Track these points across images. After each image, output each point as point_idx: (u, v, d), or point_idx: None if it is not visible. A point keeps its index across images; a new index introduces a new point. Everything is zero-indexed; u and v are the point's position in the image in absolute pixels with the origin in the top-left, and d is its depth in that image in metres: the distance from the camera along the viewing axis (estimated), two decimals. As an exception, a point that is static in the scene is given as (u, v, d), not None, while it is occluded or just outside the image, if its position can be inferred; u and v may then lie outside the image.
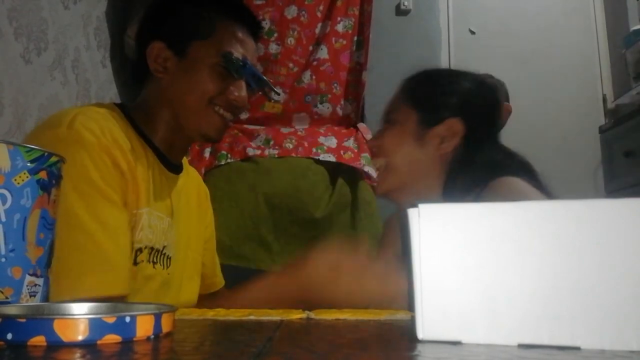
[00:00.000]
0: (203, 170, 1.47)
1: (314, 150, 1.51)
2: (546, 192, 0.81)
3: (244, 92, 0.81)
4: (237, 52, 0.80)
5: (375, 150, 0.91)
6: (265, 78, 0.86)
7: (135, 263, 0.72)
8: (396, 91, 0.95)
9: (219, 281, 0.98)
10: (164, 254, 0.78)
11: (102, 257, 0.63)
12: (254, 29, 0.85)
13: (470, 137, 0.87)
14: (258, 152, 1.49)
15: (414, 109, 0.89)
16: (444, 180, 0.86)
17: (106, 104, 0.80)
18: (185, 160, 0.91)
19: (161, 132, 0.80)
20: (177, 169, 0.85)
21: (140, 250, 0.73)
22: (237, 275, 1.36)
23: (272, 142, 1.52)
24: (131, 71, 0.86)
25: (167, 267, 0.79)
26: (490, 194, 0.78)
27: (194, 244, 0.89)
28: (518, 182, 0.78)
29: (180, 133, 0.81)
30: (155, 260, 0.76)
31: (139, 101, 0.84)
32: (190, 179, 0.92)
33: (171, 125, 0.80)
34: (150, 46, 0.80)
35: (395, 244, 0.98)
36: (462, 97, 0.90)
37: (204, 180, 1.46)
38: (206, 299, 0.92)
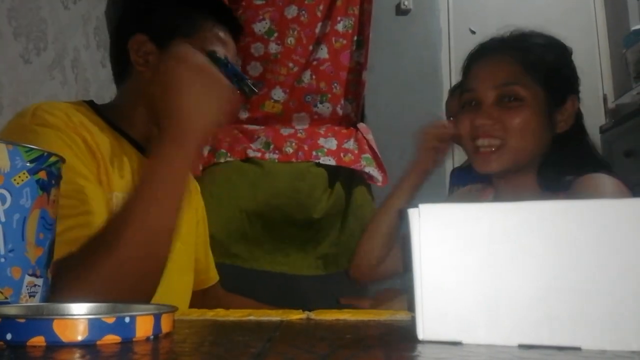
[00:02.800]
0: (201, 167, 1.47)
1: (314, 153, 1.51)
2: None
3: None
4: (220, 52, 0.81)
5: (490, 130, 0.81)
6: (246, 77, 0.87)
7: None
8: (506, 58, 0.83)
9: (213, 276, 0.99)
10: None
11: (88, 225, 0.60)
12: (235, 31, 0.86)
13: (578, 114, 0.83)
14: (258, 154, 1.49)
15: (541, 86, 0.80)
16: (542, 155, 0.82)
17: (73, 101, 0.80)
18: None
19: (138, 125, 0.81)
20: None
21: None
22: (232, 274, 1.36)
23: (272, 146, 1.51)
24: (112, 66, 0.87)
25: None
26: (579, 190, 0.75)
27: (185, 237, 0.89)
28: (609, 181, 0.75)
29: (158, 127, 0.82)
30: None
31: (116, 96, 0.85)
32: None
33: (149, 119, 0.81)
34: (133, 38, 0.80)
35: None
36: (573, 70, 0.84)
37: (202, 177, 1.46)
38: (200, 297, 0.93)
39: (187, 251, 0.89)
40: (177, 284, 0.84)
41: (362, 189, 1.56)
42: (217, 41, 0.82)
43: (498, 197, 0.89)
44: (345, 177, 1.53)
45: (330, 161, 1.51)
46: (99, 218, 0.62)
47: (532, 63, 0.81)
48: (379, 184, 1.57)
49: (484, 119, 0.81)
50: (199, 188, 0.99)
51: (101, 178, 0.70)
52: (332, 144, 1.55)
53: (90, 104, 0.81)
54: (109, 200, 0.70)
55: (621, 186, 0.76)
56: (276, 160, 1.48)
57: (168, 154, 0.60)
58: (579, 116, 0.84)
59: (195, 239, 0.93)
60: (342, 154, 1.54)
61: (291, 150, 1.50)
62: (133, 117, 0.81)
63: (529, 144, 0.80)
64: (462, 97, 0.88)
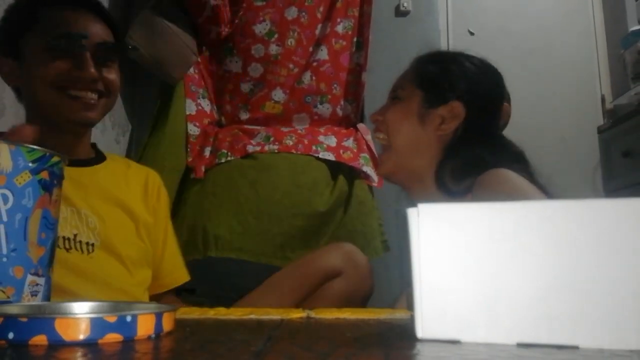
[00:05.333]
0: (203, 169, 1.47)
1: (313, 147, 1.52)
2: (538, 184, 0.80)
3: (88, 65, 0.80)
4: (66, 29, 0.80)
5: (378, 124, 0.93)
6: (112, 41, 0.85)
7: None
8: (406, 69, 0.95)
9: (182, 276, 0.99)
10: (79, 241, 0.79)
11: None
12: (83, 4, 0.85)
13: (470, 123, 0.88)
14: (258, 148, 1.50)
15: (420, 88, 0.90)
16: (437, 162, 0.87)
17: None
18: (118, 157, 0.95)
19: (44, 135, 0.82)
20: (85, 162, 0.87)
21: None
22: (239, 269, 1.37)
23: (272, 139, 1.52)
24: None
25: (90, 253, 0.80)
26: (480, 187, 0.78)
27: (140, 232, 0.89)
28: (508, 173, 0.78)
29: (55, 128, 0.81)
30: (68, 247, 0.78)
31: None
32: (133, 170, 0.95)
33: (45, 126, 0.80)
34: None
35: None
36: (468, 82, 0.90)
37: (205, 178, 1.47)
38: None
39: (138, 245, 0.89)
40: (136, 273, 0.86)
41: (362, 185, 1.57)
42: (61, 21, 0.81)
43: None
44: (346, 173, 1.54)
45: (330, 156, 1.51)
46: None
47: (419, 72, 0.92)
48: (375, 184, 1.58)
49: (376, 115, 0.94)
50: (161, 185, 0.98)
51: None
52: (331, 140, 1.56)
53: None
54: None
55: (519, 178, 0.77)
56: (276, 151, 1.49)
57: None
58: (470, 123, 0.88)
59: (150, 230, 0.92)
60: (341, 151, 1.55)
61: (291, 143, 1.51)
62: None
63: (401, 139, 0.88)
64: None
